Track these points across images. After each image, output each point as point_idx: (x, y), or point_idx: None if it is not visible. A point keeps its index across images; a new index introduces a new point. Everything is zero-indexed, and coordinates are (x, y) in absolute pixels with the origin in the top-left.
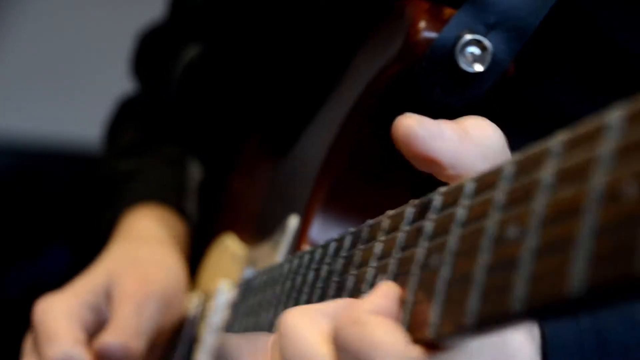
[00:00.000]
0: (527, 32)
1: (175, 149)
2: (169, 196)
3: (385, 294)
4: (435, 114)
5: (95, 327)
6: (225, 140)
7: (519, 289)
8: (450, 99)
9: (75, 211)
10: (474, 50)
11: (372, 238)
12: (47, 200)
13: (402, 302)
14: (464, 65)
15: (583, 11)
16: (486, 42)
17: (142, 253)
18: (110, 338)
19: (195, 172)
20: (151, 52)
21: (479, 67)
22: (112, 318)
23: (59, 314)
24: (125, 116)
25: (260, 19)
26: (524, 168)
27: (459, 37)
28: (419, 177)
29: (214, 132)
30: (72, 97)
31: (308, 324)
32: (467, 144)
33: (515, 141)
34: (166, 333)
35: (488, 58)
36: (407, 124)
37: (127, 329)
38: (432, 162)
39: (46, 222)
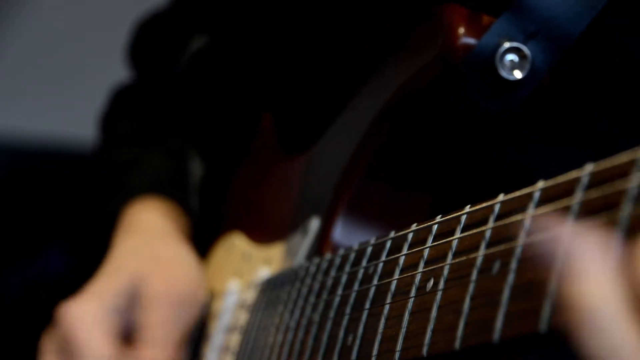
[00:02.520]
0: (566, 42)
1: (176, 141)
2: (171, 189)
3: None
4: (468, 119)
5: (122, 331)
6: (230, 135)
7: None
8: (487, 104)
9: (74, 210)
10: (513, 57)
11: (420, 243)
12: (46, 200)
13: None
14: (503, 73)
15: (621, 27)
16: (526, 50)
17: (159, 250)
18: (151, 353)
19: (195, 167)
20: (153, 41)
21: (518, 74)
22: (146, 326)
23: (88, 322)
24: (121, 105)
25: (275, 10)
26: None
27: (499, 44)
28: (444, 184)
29: (218, 125)
30: (72, 96)
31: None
32: None
33: (548, 149)
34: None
35: (527, 66)
36: None
37: (164, 340)
38: None
39: (46, 222)
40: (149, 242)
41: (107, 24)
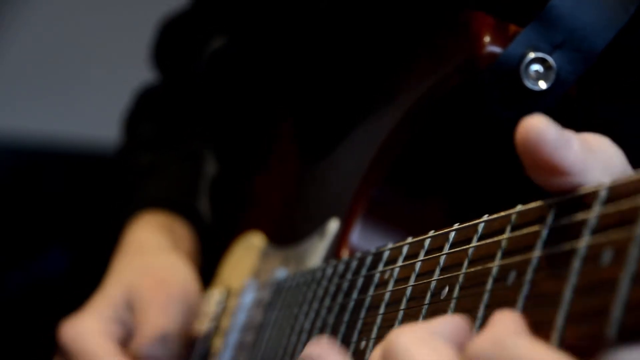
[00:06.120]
0: (592, 53)
1: (194, 142)
2: (178, 197)
3: (513, 319)
4: (490, 128)
5: (124, 340)
6: (248, 135)
7: None
8: (508, 115)
9: (75, 211)
10: (538, 68)
11: (437, 250)
12: (47, 200)
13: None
14: (528, 83)
15: None
16: (551, 61)
17: (151, 262)
18: (143, 339)
19: (210, 167)
20: (175, 41)
21: (543, 85)
22: (142, 324)
23: (91, 333)
24: (143, 107)
25: (297, 13)
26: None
27: (525, 54)
28: (463, 192)
29: (236, 125)
30: (73, 96)
31: (427, 350)
32: (593, 158)
33: None
34: (190, 333)
35: (552, 77)
36: (536, 126)
37: (157, 328)
38: (557, 171)
39: (46, 222)
40: (143, 258)
41: (108, 25)
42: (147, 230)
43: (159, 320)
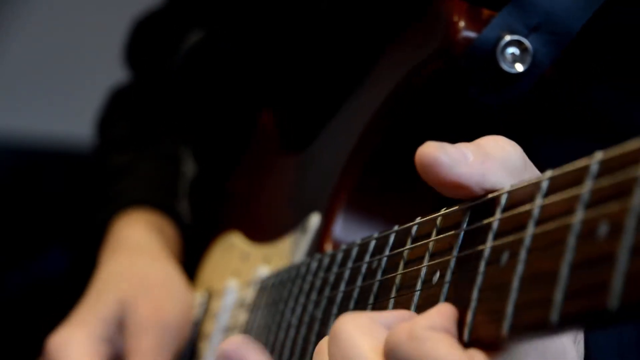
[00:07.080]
0: (568, 35)
1: (170, 143)
2: (161, 198)
3: (443, 312)
4: (470, 114)
5: (110, 358)
6: (225, 133)
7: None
8: (487, 99)
9: (74, 211)
10: (514, 50)
11: (425, 236)
12: (47, 200)
13: (466, 300)
14: (504, 66)
15: (624, 18)
16: (527, 43)
17: (146, 272)
18: None
19: (189, 168)
20: (149, 39)
21: (519, 68)
22: (133, 354)
23: (76, 351)
24: (117, 107)
25: (273, 5)
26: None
27: (501, 37)
28: None
29: (213, 122)
30: (73, 96)
31: (362, 334)
32: (490, 163)
33: (554, 141)
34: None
35: (528, 59)
36: (429, 152)
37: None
38: (459, 186)
39: (46, 222)
40: (135, 263)
41: (106, 24)
42: (138, 227)
43: (153, 355)
